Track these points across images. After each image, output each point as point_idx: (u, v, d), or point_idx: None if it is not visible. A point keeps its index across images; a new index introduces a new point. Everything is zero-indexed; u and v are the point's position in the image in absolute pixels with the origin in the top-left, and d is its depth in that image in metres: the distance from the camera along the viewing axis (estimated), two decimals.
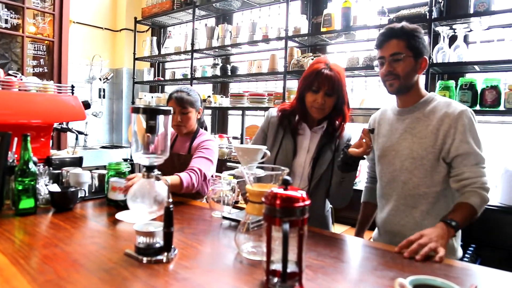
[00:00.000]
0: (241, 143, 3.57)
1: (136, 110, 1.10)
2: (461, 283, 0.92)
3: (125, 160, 1.91)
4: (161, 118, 1.11)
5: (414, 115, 1.54)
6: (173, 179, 1.78)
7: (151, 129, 1.08)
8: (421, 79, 1.58)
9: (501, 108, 2.21)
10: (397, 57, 1.47)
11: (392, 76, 1.50)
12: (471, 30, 2.53)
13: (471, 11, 2.36)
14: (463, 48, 2.42)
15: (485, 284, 1.03)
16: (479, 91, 2.27)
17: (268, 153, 1.40)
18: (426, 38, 1.52)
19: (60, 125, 2.56)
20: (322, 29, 2.98)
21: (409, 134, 1.53)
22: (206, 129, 2.34)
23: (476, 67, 2.42)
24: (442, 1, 2.52)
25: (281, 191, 0.89)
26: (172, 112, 1.14)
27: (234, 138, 3.84)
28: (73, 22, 4.46)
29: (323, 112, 1.64)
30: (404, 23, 1.50)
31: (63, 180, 1.91)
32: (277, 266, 0.91)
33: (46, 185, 1.70)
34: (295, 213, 0.86)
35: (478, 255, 1.43)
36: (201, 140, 2.11)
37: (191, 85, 3.93)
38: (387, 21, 2.64)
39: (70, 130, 2.58)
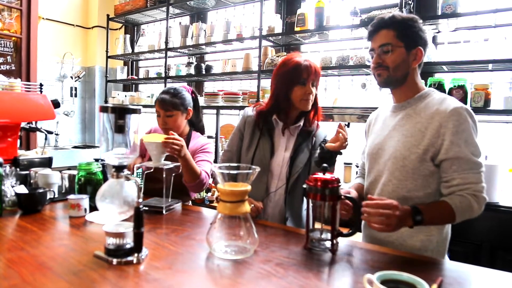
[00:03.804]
0: (216, 142, 3.56)
1: (104, 109, 1.08)
2: (428, 277, 0.95)
3: (97, 160, 1.87)
4: (130, 117, 1.09)
5: (405, 112, 1.42)
6: (195, 165, 1.82)
7: (120, 128, 1.06)
8: (417, 72, 1.44)
9: (468, 107, 2.28)
10: (386, 49, 1.36)
11: (381, 67, 1.39)
12: (439, 32, 2.61)
13: (439, 13, 2.43)
14: (432, 49, 2.49)
15: (452, 278, 1.06)
16: (447, 91, 2.34)
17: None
18: (428, 29, 1.39)
19: (28, 125, 2.48)
20: (296, 29, 3.00)
21: (397, 131, 1.41)
22: (203, 132, 2.23)
23: (444, 67, 2.50)
24: (412, 3, 2.59)
25: (321, 175, 1.21)
26: (135, 112, 1.12)
27: (209, 137, 3.81)
28: (43, 18, 4.32)
29: (311, 103, 1.67)
30: (396, 12, 1.40)
31: (31, 181, 1.85)
32: (313, 233, 1.27)
33: (13, 186, 1.65)
34: (332, 191, 1.19)
35: (447, 249, 1.48)
36: (200, 143, 2.06)
37: (165, 85, 3.88)
38: (359, 22, 2.69)
39: (39, 130, 2.50)
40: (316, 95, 1.70)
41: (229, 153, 1.81)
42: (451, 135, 1.26)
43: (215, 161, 3.12)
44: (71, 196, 1.56)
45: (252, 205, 1.59)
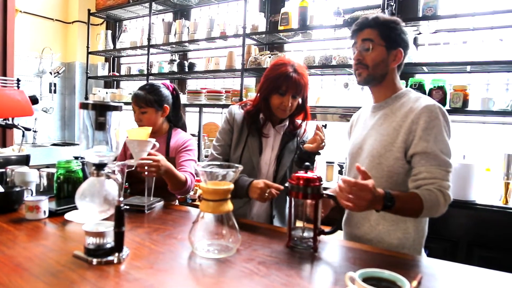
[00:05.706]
0: (199, 140, 3.54)
1: (84, 106, 1.05)
2: (408, 274, 0.96)
3: (76, 158, 1.84)
4: (111, 114, 1.07)
5: (383, 111, 1.45)
6: (179, 174, 1.80)
7: (100, 125, 1.04)
8: (396, 73, 1.46)
9: (447, 107, 2.34)
10: (367, 45, 1.39)
11: (361, 65, 1.41)
12: (420, 33, 2.66)
13: (420, 15, 2.48)
14: (413, 50, 2.54)
15: (430, 274, 1.09)
16: (427, 91, 2.39)
17: (157, 144, 1.52)
18: (409, 31, 1.39)
19: (5, 121, 2.41)
20: (280, 28, 3.01)
21: (375, 131, 1.43)
22: (184, 130, 2.18)
23: (424, 68, 2.55)
24: (394, 4, 2.62)
25: (303, 174, 1.21)
26: (119, 108, 1.11)
27: (192, 135, 3.79)
28: (20, 11, 4.21)
29: (288, 113, 1.66)
30: (380, 14, 1.44)
31: (8, 180, 1.80)
32: (295, 232, 1.27)
33: None
34: (314, 189, 1.19)
35: (425, 246, 1.51)
36: (181, 140, 2.02)
37: (147, 81, 3.83)
38: (342, 22, 2.71)
39: (16, 126, 2.44)
40: (304, 102, 1.69)
41: (222, 147, 1.76)
42: (421, 131, 1.28)
43: (199, 160, 3.10)
44: (28, 198, 1.48)
45: (269, 190, 1.50)
